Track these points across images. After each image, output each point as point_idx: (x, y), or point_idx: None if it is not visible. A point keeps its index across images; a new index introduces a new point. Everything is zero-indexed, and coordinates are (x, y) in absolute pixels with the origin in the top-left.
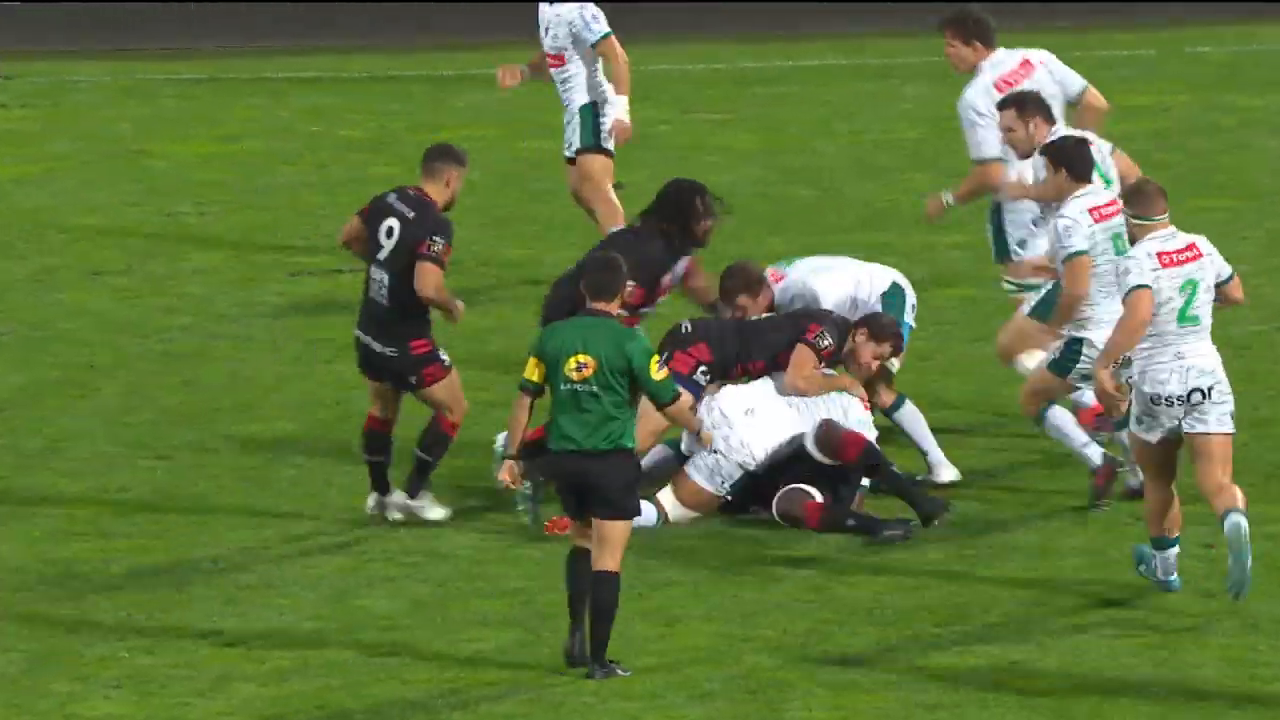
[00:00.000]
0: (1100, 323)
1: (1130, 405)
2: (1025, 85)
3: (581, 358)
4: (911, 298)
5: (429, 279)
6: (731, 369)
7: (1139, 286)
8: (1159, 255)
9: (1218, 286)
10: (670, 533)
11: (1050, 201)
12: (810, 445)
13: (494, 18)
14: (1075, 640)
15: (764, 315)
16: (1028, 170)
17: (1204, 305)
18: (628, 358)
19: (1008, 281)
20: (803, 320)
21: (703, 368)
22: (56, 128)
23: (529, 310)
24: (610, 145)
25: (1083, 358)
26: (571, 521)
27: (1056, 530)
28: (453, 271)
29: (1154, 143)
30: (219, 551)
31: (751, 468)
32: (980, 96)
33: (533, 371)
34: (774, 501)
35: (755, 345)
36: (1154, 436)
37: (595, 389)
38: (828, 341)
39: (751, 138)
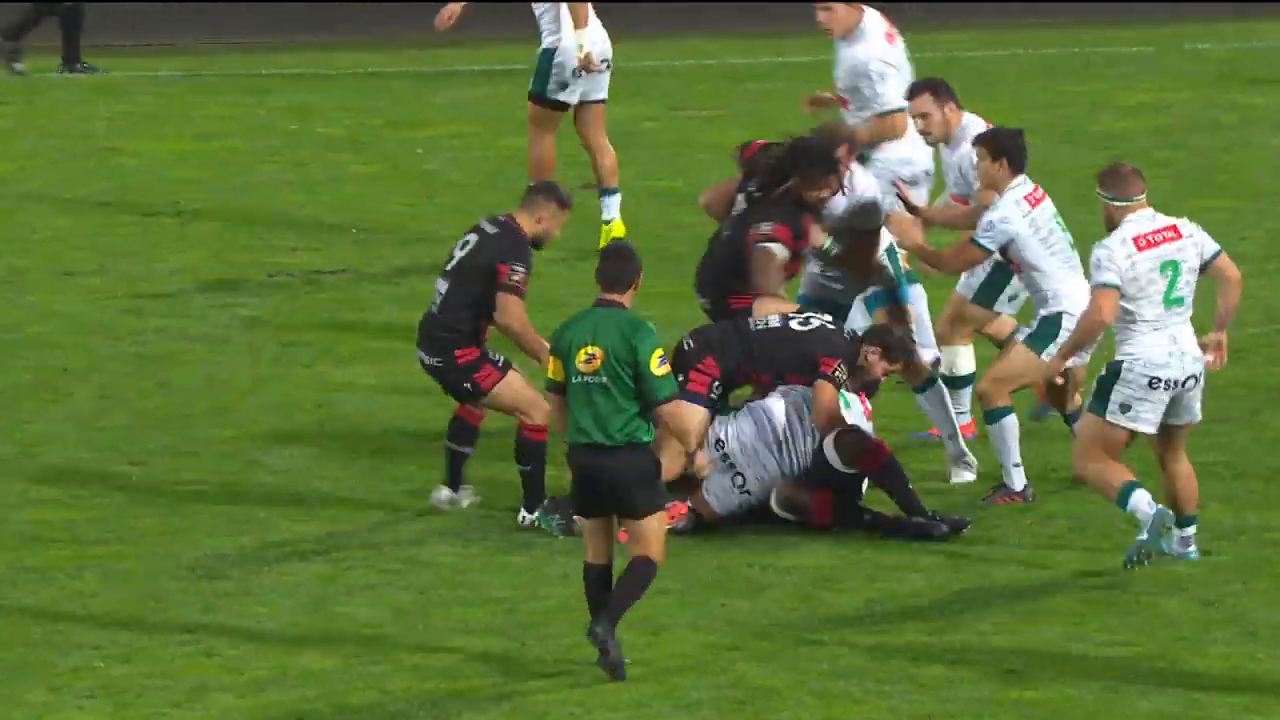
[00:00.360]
0: (1069, 296)
1: (1112, 392)
2: (898, 45)
3: (590, 349)
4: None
5: (512, 310)
6: (736, 378)
7: (1105, 285)
8: (1135, 239)
9: (1206, 266)
10: None
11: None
12: (829, 450)
13: (476, 15)
14: (1070, 648)
15: (766, 326)
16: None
17: (1187, 287)
18: (633, 348)
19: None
20: (813, 349)
21: (715, 383)
22: (28, 125)
23: None
24: (560, 97)
25: (1062, 330)
26: (584, 522)
27: (1050, 537)
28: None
29: (1154, 140)
30: (196, 558)
31: (771, 501)
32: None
33: (553, 370)
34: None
35: (760, 355)
36: (1139, 426)
37: (604, 380)
38: (845, 375)
39: (742, 134)
